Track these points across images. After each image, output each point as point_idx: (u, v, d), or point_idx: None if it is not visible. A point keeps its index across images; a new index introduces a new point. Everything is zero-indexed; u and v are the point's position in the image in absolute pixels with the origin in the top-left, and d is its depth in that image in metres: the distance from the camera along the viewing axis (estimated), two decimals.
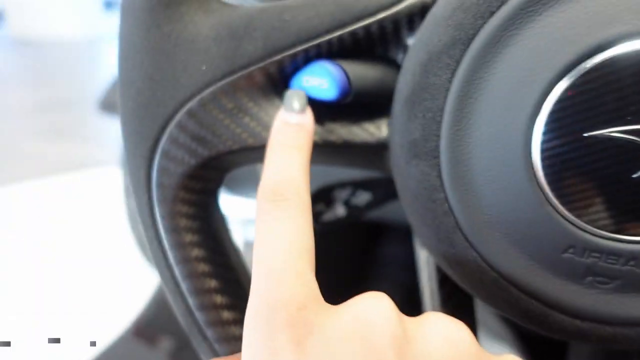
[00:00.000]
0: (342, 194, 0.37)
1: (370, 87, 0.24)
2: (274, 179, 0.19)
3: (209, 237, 0.24)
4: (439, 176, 0.20)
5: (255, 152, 0.23)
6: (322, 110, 0.24)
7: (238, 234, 0.85)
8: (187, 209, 0.23)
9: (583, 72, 0.17)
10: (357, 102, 0.24)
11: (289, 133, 0.21)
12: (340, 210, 0.37)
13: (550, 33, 0.18)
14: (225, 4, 0.23)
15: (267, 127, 0.23)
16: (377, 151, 0.24)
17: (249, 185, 0.75)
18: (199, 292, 0.23)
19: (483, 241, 0.20)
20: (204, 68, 0.22)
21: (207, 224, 0.24)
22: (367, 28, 0.23)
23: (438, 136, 0.20)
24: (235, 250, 0.26)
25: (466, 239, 0.20)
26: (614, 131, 0.17)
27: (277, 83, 0.23)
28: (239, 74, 0.22)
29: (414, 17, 0.23)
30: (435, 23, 0.20)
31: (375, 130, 0.24)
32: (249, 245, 0.85)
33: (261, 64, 0.22)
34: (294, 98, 0.22)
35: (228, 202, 0.81)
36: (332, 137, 0.24)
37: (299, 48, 0.22)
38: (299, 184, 0.19)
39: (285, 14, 0.22)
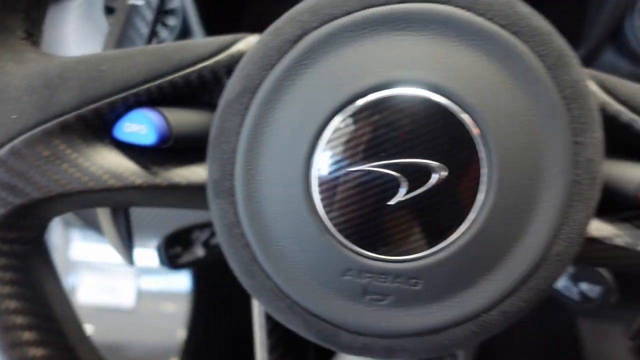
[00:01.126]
0: (201, 235, 0.38)
1: (193, 132, 0.25)
2: None
3: (27, 288, 0.24)
4: (236, 213, 0.22)
5: (77, 198, 0.24)
6: (146, 154, 0.25)
7: (131, 284, 0.82)
8: (1, 261, 0.23)
9: (345, 116, 0.20)
10: (185, 146, 0.26)
11: None
12: (199, 251, 0.38)
13: (319, 82, 0.21)
14: (42, 54, 0.24)
15: (87, 173, 0.24)
16: (203, 192, 0.26)
17: (143, 234, 0.73)
18: (12, 345, 0.23)
19: (277, 271, 0.22)
20: (14, 117, 0.22)
21: (25, 274, 0.24)
22: (186, 77, 0.25)
23: (233, 176, 0.22)
24: (63, 299, 0.26)
25: (262, 270, 0.22)
26: (372, 165, 0.20)
27: (98, 129, 0.24)
28: (53, 122, 0.23)
29: (234, 67, 0.25)
30: (233, 74, 0.22)
31: (203, 171, 0.26)
32: (142, 294, 0.82)
33: (77, 112, 0.23)
34: None
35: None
36: (157, 180, 0.25)
37: (117, 97, 0.24)
38: None
39: (102, 64, 0.24)
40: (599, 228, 0.24)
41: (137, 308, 0.82)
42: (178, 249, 0.37)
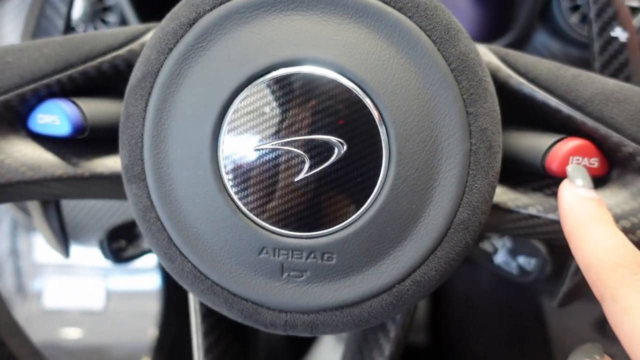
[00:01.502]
0: None
1: (110, 121, 0.25)
2: (620, 252, 0.18)
3: None
4: (149, 197, 0.22)
5: None
6: (66, 146, 0.25)
7: (99, 284, 0.82)
8: None
9: (246, 95, 0.20)
10: (105, 136, 0.26)
11: (597, 208, 0.20)
12: (144, 244, 0.38)
13: (217, 63, 0.21)
14: None
15: (2, 166, 0.23)
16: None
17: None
18: None
19: (194, 252, 0.22)
20: None
21: None
22: (97, 67, 0.25)
23: (142, 161, 0.22)
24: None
25: (180, 252, 0.22)
26: (276, 143, 0.20)
27: (11, 122, 0.24)
28: None
29: None
30: (136, 61, 0.22)
31: None
32: (110, 294, 0.81)
33: None
34: (578, 174, 0.21)
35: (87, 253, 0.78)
36: (79, 171, 0.25)
37: (26, 88, 0.23)
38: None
39: (8, 55, 0.23)
40: (513, 198, 0.25)
41: (106, 309, 0.82)
42: (122, 243, 0.37)
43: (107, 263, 0.78)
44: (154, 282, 0.84)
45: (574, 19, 0.45)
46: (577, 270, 0.29)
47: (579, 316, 0.70)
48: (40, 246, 0.79)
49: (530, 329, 0.75)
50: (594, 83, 0.23)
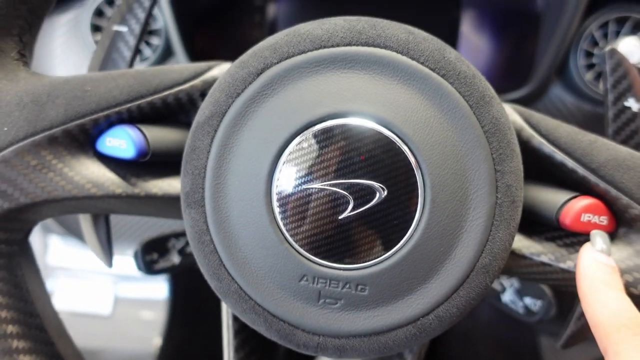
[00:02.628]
0: (177, 244, 0.41)
1: (169, 148, 0.28)
2: (625, 315, 0.21)
3: (11, 284, 0.26)
4: (205, 222, 0.24)
5: (61, 204, 0.26)
6: (127, 167, 0.28)
7: (108, 289, 0.84)
8: None
9: (302, 139, 0.23)
10: (162, 160, 0.28)
11: (610, 274, 0.23)
12: (175, 258, 0.40)
13: (279, 110, 0.24)
14: (34, 74, 0.26)
15: (71, 182, 0.26)
16: (177, 202, 0.28)
17: (121, 243, 0.75)
18: None
19: (241, 274, 0.24)
20: (5, 129, 0.25)
21: (10, 272, 0.26)
22: (163, 99, 0.27)
23: (203, 189, 0.24)
24: (44, 297, 0.28)
25: (229, 273, 0.24)
26: (325, 184, 0.23)
27: (82, 143, 0.27)
28: (41, 135, 0.25)
29: (207, 91, 0.28)
30: (205, 100, 0.25)
31: (178, 184, 0.29)
32: (119, 301, 0.83)
33: (63, 127, 0.25)
34: (599, 239, 0.25)
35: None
36: (136, 190, 0.28)
37: (100, 114, 0.26)
38: None
39: (87, 85, 0.26)
40: (528, 246, 0.27)
41: (113, 315, 0.83)
42: (154, 256, 0.39)
43: (117, 270, 0.80)
44: (162, 292, 0.86)
45: (589, 76, 0.48)
46: (581, 315, 0.31)
47: (575, 356, 0.71)
48: (54, 248, 0.82)
49: None
50: (608, 149, 0.25)
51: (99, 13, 0.52)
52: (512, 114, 0.28)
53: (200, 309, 0.82)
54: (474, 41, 0.52)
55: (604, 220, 0.25)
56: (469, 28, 0.51)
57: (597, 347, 0.22)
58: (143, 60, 0.52)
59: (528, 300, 0.37)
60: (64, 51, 0.51)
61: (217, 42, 0.54)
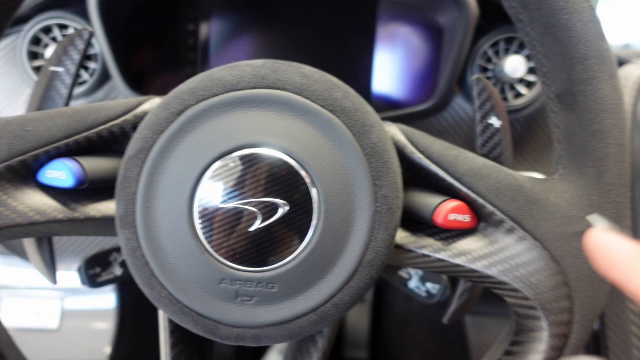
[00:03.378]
0: (119, 257, 0.44)
1: (105, 175, 0.32)
2: None
3: None
4: (137, 240, 0.29)
5: (7, 231, 0.30)
6: (67, 194, 0.32)
7: (55, 305, 0.84)
8: None
9: (217, 167, 0.28)
10: (99, 186, 0.32)
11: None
12: (117, 271, 0.44)
13: (198, 144, 0.28)
14: None
15: (15, 211, 0.30)
16: (114, 223, 0.32)
17: (67, 259, 0.77)
18: None
19: (170, 282, 0.29)
20: None
21: None
22: (98, 134, 0.31)
23: (134, 212, 0.29)
24: None
25: (159, 282, 0.29)
26: (237, 203, 0.28)
27: (25, 176, 0.30)
28: None
29: (139, 123, 0.32)
30: (134, 135, 0.29)
31: (114, 206, 0.33)
32: (67, 314, 0.84)
33: (6, 164, 0.29)
34: (599, 220, 0.25)
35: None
36: (76, 215, 0.32)
37: (41, 150, 0.30)
38: None
39: (28, 125, 0.30)
40: (413, 241, 0.33)
41: (61, 328, 0.84)
42: (97, 269, 0.42)
43: (63, 284, 0.81)
44: (110, 302, 0.87)
45: None
46: (462, 293, 0.38)
47: (493, 332, 0.81)
48: None
49: (453, 343, 0.85)
50: (469, 161, 0.32)
51: (35, 41, 0.54)
52: (398, 134, 0.34)
53: (148, 316, 0.85)
54: (389, 57, 0.58)
55: (467, 218, 0.31)
56: (384, 44, 0.58)
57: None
58: (81, 84, 0.55)
59: (429, 285, 0.44)
60: (1, 76, 0.53)
61: (154, 65, 0.58)
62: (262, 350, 0.89)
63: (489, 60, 0.54)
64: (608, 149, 0.28)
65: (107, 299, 0.89)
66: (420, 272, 0.45)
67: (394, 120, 0.54)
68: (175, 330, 0.34)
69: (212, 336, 0.30)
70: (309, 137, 0.28)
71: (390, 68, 0.58)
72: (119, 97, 0.54)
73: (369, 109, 0.30)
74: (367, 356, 1.11)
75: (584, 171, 0.29)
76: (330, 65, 0.56)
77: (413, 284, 0.45)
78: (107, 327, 0.87)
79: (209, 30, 0.56)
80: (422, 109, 0.54)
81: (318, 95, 0.29)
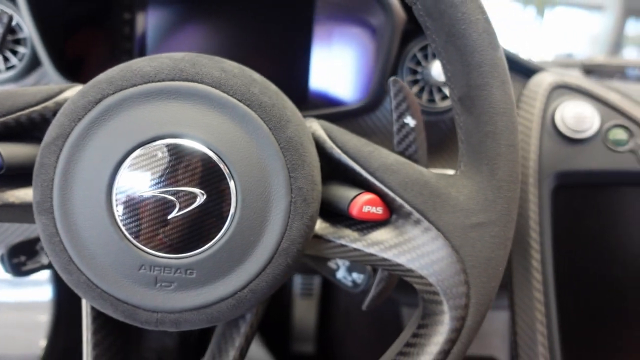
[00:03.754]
0: None
1: (24, 162, 0.32)
2: None
3: None
4: (55, 226, 0.29)
5: None
6: None
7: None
8: None
9: (136, 156, 0.29)
10: (18, 172, 0.32)
11: None
12: (44, 260, 0.44)
13: (115, 133, 0.29)
14: None
15: None
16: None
17: None
18: None
19: (88, 268, 0.29)
20: None
21: None
22: (16, 119, 0.31)
23: (51, 199, 0.29)
24: None
25: (78, 268, 0.29)
26: (156, 191, 0.29)
27: None
28: None
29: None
30: (52, 122, 0.30)
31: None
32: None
33: None
34: None
35: None
36: None
37: None
38: None
39: None
40: (332, 232, 0.35)
41: None
42: (22, 258, 0.42)
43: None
44: (46, 294, 0.85)
45: (415, 89, 0.58)
46: (379, 282, 0.40)
47: None
48: None
49: (391, 331, 0.89)
50: (381, 157, 0.34)
51: None
52: (318, 129, 0.36)
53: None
54: (326, 55, 0.60)
55: (379, 210, 0.34)
56: (321, 42, 0.59)
57: None
58: (9, 69, 0.53)
59: (355, 275, 0.46)
60: None
61: (90, 53, 0.57)
62: (206, 343, 0.89)
63: (418, 63, 0.57)
64: (500, 149, 0.31)
65: (43, 290, 0.86)
66: (347, 263, 0.47)
67: (328, 117, 0.56)
68: (98, 316, 0.35)
69: (132, 321, 0.30)
70: (227, 130, 0.30)
71: (328, 66, 0.60)
72: (50, 84, 0.53)
73: (287, 104, 0.32)
74: (313, 349, 1.14)
75: (479, 168, 0.32)
76: (268, 61, 0.57)
77: (340, 274, 0.47)
78: (42, 319, 0.85)
79: (146, 19, 0.56)
80: (354, 108, 0.56)
81: (235, 90, 0.30)
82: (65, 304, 0.84)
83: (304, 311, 1.15)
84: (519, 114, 0.55)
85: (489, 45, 0.30)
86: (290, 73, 0.58)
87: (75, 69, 0.54)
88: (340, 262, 0.47)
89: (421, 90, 0.58)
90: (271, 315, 1.16)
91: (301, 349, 1.13)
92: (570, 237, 0.49)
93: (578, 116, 0.48)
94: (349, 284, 0.47)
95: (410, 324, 0.36)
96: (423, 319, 0.34)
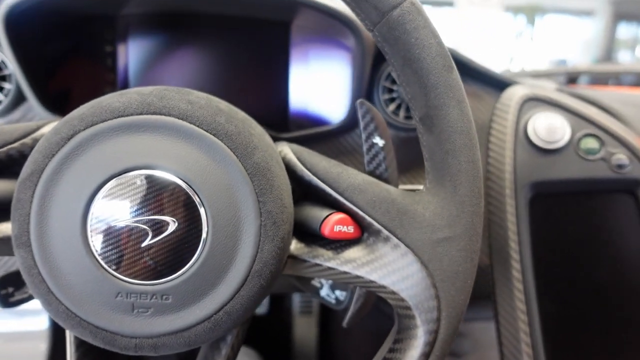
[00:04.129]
0: None
1: (3, 197, 0.33)
2: None
3: None
4: (33, 258, 0.30)
5: None
6: None
7: None
8: None
9: (109, 188, 0.30)
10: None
11: None
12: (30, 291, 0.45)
13: (88, 166, 0.30)
14: None
15: None
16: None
17: None
18: None
19: (67, 297, 0.30)
20: None
21: None
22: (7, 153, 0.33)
23: (28, 232, 0.30)
24: None
25: (56, 298, 0.30)
26: (128, 221, 0.30)
27: None
28: None
29: None
30: (28, 159, 0.31)
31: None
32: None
33: None
34: None
35: None
36: None
37: None
38: None
39: None
40: (307, 252, 0.36)
41: None
42: (10, 289, 0.43)
43: None
44: (43, 323, 0.86)
45: (392, 107, 0.59)
46: (358, 299, 0.41)
47: None
48: None
49: None
50: (349, 178, 0.35)
51: None
52: (289, 153, 0.37)
53: None
54: (304, 77, 0.61)
55: (351, 229, 0.35)
56: (298, 65, 0.61)
57: None
58: None
59: (337, 293, 0.47)
60: None
61: (73, 84, 0.58)
62: None
63: (393, 81, 0.59)
64: (460, 165, 0.32)
65: (39, 320, 0.87)
66: (330, 281, 0.48)
67: (309, 138, 0.58)
68: (81, 344, 0.36)
69: (111, 347, 0.31)
70: (195, 159, 0.31)
71: (308, 87, 0.61)
72: (36, 118, 0.54)
73: (255, 131, 0.33)
74: None
75: (443, 185, 0.33)
76: (248, 86, 0.59)
77: (324, 291, 0.48)
78: (41, 348, 0.86)
79: (127, 51, 0.58)
80: (334, 127, 0.57)
81: (202, 120, 0.31)
82: (63, 331, 0.84)
83: (305, 329, 1.15)
84: (492, 127, 0.56)
85: (442, 67, 0.31)
86: (271, 96, 0.59)
87: (60, 101, 0.56)
88: (323, 280, 0.48)
89: (398, 107, 0.59)
90: (272, 334, 1.16)
91: None
92: (550, 245, 0.50)
93: (550, 127, 0.49)
94: (333, 301, 0.47)
95: (387, 339, 0.36)
96: (398, 333, 0.35)
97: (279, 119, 0.61)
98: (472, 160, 0.32)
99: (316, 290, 0.49)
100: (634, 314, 0.43)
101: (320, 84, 0.61)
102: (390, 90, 0.59)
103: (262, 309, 1.13)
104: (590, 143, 0.49)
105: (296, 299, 1.15)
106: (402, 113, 0.59)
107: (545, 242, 0.48)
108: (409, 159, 0.60)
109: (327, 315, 1.12)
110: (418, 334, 0.33)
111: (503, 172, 0.50)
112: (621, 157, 0.49)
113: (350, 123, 0.57)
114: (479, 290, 0.52)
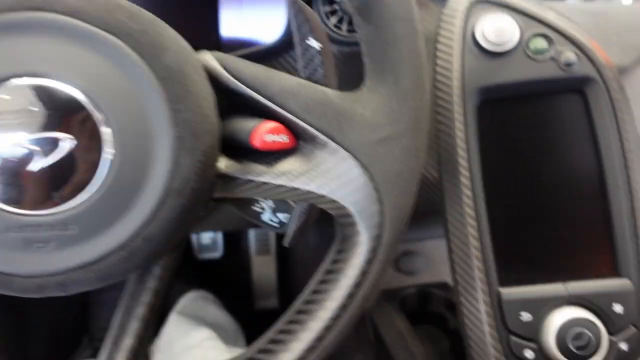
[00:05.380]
0: None
1: None
2: None
3: None
4: None
5: None
6: None
7: None
8: None
9: None
10: None
11: None
12: None
13: None
14: None
15: None
16: None
17: None
18: None
19: None
20: None
21: None
22: None
23: None
24: None
25: None
26: (11, 141, 0.25)
27: None
28: None
29: None
30: None
31: None
32: None
33: None
34: None
35: None
36: None
37: None
38: None
39: None
40: (238, 169, 0.32)
41: None
42: None
43: None
44: None
45: (333, 20, 0.54)
46: (299, 215, 0.38)
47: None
48: None
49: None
50: (281, 81, 0.31)
51: None
52: (212, 60, 0.32)
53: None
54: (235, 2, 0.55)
55: (284, 138, 0.31)
56: None
57: None
58: None
59: (281, 216, 0.44)
60: None
61: None
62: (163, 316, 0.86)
63: None
64: (402, 55, 0.29)
65: None
66: (271, 204, 0.45)
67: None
68: None
69: (10, 291, 0.27)
70: (90, 64, 0.26)
71: (239, 9, 0.55)
72: None
73: (164, 31, 0.28)
74: (277, 304, 1.14)
75: (384, 79, 0.30)
76: (175, 10, 0.53)
77: (266, 216, 0.45)
78: None
79: None
80: (267, 47, 0.52)
81: (97, 17, 0.26)
82: None
83: (263, 268, 1.15)
84: (440, 34, 0.53)
85: None
86: (199, 21, 0.53)
87: None
88: (264, 204, 0.45)
89: (340, 20, 0.55)
90: (229, 277, 1.15)
91: (265, 304, 1.13)
92: (498, 152, 0.48)
93: (498, 29, 0.46)
94: (276, 225, 0.44)
95: (329, 252, 0.34)
96: (341, 243, 0.33)
97: (209, 43, 0.55)
98: (415, 49, 0.29)
99: (257, 216, 0.45)
100: (579, 211, 0.43)
101: (252, 3, 0.55)
102: (332, 2, 0.54)
103: (217, 252, 1.11)
104: (539, 43, 0.46)
105: (252, 240, 1.13)
106: (344, 26, 0.54)
107: (494, 148, 0.46)
108: (353, 76, 0.56)
109: (285, 252, 1.11)
110: (361, 241, 0.31)
111: (451, 80, 0.47)
112: (569, 55, 0.47)
113: (288, 41, 0.52)
114: (430, 206, 0.51)
